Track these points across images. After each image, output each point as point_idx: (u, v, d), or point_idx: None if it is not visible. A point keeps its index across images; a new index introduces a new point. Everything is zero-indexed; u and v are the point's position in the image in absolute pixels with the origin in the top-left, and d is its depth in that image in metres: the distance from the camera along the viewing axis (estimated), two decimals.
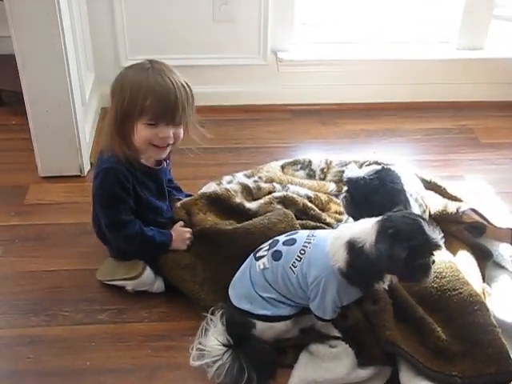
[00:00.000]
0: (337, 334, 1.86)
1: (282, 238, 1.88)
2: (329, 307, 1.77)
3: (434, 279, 1.90)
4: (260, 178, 2.43)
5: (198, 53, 3.02)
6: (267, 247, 1.87)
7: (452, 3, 3.15)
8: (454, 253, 2.10)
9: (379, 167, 2.04)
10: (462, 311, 1.82)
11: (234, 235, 2.05)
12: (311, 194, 2.33)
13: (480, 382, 1.70)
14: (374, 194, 1.94)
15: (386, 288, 1.80)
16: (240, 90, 3.13)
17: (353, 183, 2.00)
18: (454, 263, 1.98)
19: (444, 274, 1.92)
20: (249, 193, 2.31)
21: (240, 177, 2.44)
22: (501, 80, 3.23)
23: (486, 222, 2.17)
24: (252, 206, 2.21)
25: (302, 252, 1.80)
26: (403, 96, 3.21)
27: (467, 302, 1.83)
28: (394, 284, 1.90)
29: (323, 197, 2.34)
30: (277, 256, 1.82)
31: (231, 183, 2.37)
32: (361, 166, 2.32)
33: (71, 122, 2.52)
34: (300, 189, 2.36)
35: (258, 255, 1.88)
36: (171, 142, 1.97)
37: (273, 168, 2.51)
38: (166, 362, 1.85)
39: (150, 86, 1.85)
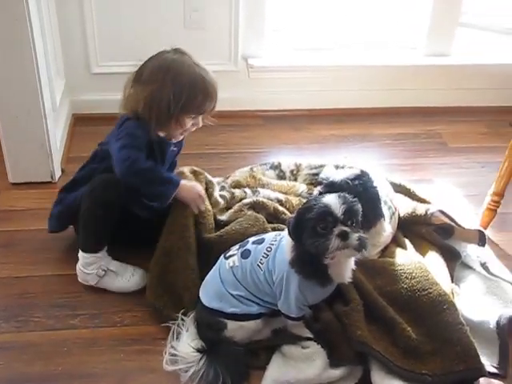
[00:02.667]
0: (309, 334, 1.87)
1: (251, 239, 1.92)
2: (292, 304, 1.78)
3: (404, 280, 1.94)
4: (226, 182, 2.46)
5: None
6: (237, 247, 1.91)
7: (419, 10, 3.21)
8: (423, 254, 2.14)
9: (357, 171, 2.07)
10: (431, 310, 1.85)
11: (209, 243, 2.07)
12: (282, 197, 2.35)
13: (449, 379, 1.73)
14: (358, 199, 1.94)
15: (347, 281, 1.80)
16: None
17: (335, 186, 1.99)
18: (423, 264, 2.01)
19: (414, 274, 1.94)
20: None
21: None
22: (467, 86, 3.30)
23: (454, 224, 2.20)
24: (223, 217, 2.23)
25: (269, 249, 1.83)
26: (373, 101, 3.26)
27: (436, 301, 1.86)
28: (365, 285, 1.93)
29: (294, 200, 2.36)
30: (246, 254, 1.86)
31: None
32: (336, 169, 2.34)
33: (41, 128, 2.51)
34: (270, 192, 2.38)
35: (227, 255, 1.90)
36: None
37: (240, 172, 2.54)
38: (139, 366, 1.84)
39: (204, 85, 2.04)
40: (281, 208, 2.28)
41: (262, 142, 3.00)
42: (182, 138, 2.20)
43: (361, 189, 1.99)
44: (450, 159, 2.96)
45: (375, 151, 3.01)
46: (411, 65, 3.23)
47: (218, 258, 1.95)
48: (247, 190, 2.38)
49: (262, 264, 1.82)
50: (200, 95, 2.03)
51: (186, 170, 2.27)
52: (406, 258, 2.06)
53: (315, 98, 3.22)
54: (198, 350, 1.81)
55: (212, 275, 1.92)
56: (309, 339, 1.86)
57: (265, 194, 2.36)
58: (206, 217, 2.14)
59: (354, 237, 1.64)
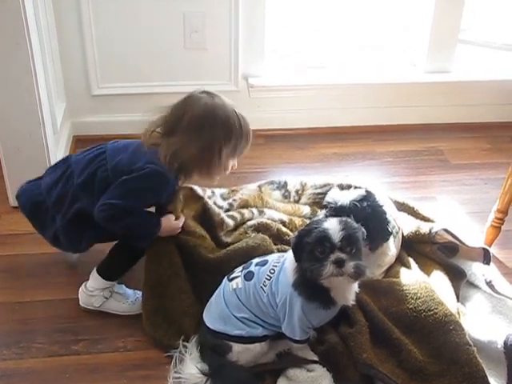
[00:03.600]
0: (314, 357, 1.85)
1: (255, 260, 1.91)
2: (296, 326, 1.77)
3: (410, 300, 1.92)
4: (235, 200, 2.44)
5: (169, 80, 3.03)
6: (241, 269, 1.90)
7: (418, 27, 3.22)
8: (428, 273, 2.12)
9: (363, 191, 2.05)
10: (437, 331, 1.83)
11: (214, 262, 2.06)
12: (285, 218, 2.35)
13: None
14: (367, 220, 1.94)
15: (351, 303, 1.79)
16: None
17: (343, 210, 1.97)
18: (428, 284, 2.00)
19: (419, 294, 1.93)
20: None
21: (218, 196, 2.49)
22: (469, 102, 3.29)
23: (458, 242, 2.19)
24: (228, 239, 2.22)
25: (272, 271, 1.82)
26: (374, 119, 3.25)
27: (442, 321, 1.84)
28: (370, 306, 1.91)
29: (297, 220, 2.35)
30: (249, 276, 1.85)
31: (210, 199, 2.41)
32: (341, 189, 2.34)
33: (42, 150, 2.50)
34: (275, 213, 2.38)
35: (231, 277, 1.89)
36: None
37: (249, 190, 2.53)
38: None
39: (246, 127, 2.03)
40: (284, 229, 2.28)
41: (265, 162, 2.98)
42: None
43: (369, 210, 1.99)
44: (453, 176, 2.94)
45: (377, 169, 3.00)
46: (412, 82, 3.22)
47: (222, 278, 1.94)
48: (254, 211, 2.38)
49: (265, 286, 1.81)
50: (244, 138, 2.03)
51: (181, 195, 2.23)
52: (411, 277, 2.04)
53: (316, 116, 3.21)
54: (203, 373, 1.78)
55: (216, 297, 1.91)
56: (314, 362, 1.84)
57: (269, 215, 2.35)
58: (202, 239, 2.14)
59: (351, 264, 1.64)
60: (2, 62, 2.29)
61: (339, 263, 1.63)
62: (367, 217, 1.95)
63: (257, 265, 1.88)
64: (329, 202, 2.04)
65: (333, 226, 1.67)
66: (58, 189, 2.03)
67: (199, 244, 2.10)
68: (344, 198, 2.01)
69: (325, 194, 2.39)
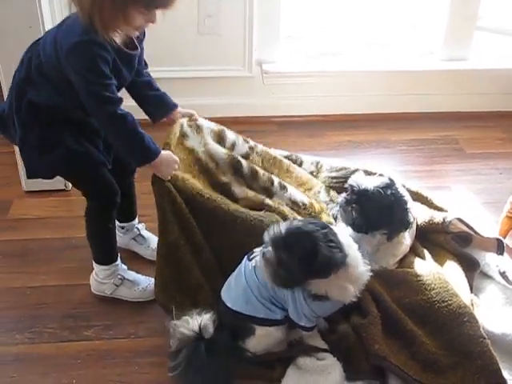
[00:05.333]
0: (324, 346, 1.84)
1: None
2: (301, 313, 1.76)
3: (424, 291, 1.90)
4: (255, 152, 2.30)
5: (183, 65, 3.02)
6: (260, 248, 1.84)
7: (435, 15, 3.17)
8: (441, 263, 2.10)
9: (386, 179, 2.02)
10: (451, 323, 1.82)
11: (235, 220, 2.00)
12: (306, 201, 2.27)
13: None
14: (390, 208, 1.94)
15: (349, 301, 1.76)
16: (226, 102, 3.12)
17: (366, 194, 1.96)
18: (441, 274, 1.98)
19: (433, 285, 1.91)
20: (238, 172, 2.17)
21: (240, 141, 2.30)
22: (485, 90, 3.25)
23: (472, 232, 2.16)
24: (239, 193, 2.13)
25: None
26: (389, 107, 3.22)
27: (456, 313, 1.82)
28: (383, 297, 1.90)
29: (317, 206, 2.29)
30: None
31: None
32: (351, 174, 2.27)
33: None
34: (297, 193, 2.27)
35: (251, 256, 1.85)
36: None
37: (269, 154, 2.38)
38: (153, 379, 1.82)
39: None
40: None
41: (277, 149, 2.96)
42: (138, 37, 1.89)
43: (392, 198, 1.97)
44: (467, 165, 2.92)
45: (391, 157, 2.98)
46: (428, 70, 3.19)
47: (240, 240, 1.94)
48: (275, 180, 2.24)
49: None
50: None
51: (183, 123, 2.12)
52: (425, 268, 2.02)
53: (330, 103, 3.19)
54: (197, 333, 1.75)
55: (236, 277, 1.87)
56: (325, 351, 1.83)
57: (292, 195, 2.24)
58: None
59: None
60: (15, 44, 2.27)
61: None
62: (390, 204, 1.94)
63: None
64: (351, 186, 2.00)
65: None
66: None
67: (214, 198, 2.01)
68: (368, 183, 1.98)
69: (340, 178, 2.40)
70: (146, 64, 2.07)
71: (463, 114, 3.27)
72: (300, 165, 2.49)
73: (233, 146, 2.23)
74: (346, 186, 2.05)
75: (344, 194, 2.05)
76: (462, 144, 3.07)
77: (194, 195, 1.96)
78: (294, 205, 2.23)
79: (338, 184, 2.40)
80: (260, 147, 2.32)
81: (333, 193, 2.38)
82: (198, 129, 2.16)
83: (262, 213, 2.07)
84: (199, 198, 1.97)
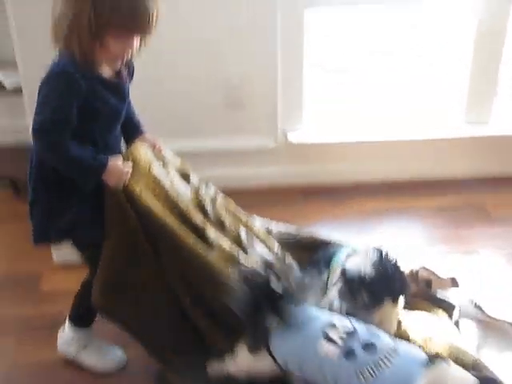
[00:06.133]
0: None
1: (361, 335, 1.69)
2: None
3: None
4: (217, 202, 2.19)
5: (207, 137, 3.07)
6: (343, 335, 1.68)
7: (456, 83, 3.22)
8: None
9: (375, 255, 2.00)
10: None
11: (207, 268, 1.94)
12: (272, 259, 2.17)
13: None
14: (392, 276, 1.96)
15: None
16: (251, 172, 3.17)
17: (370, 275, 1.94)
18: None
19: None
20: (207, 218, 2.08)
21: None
22: (509, 155, 3.26)
23: (434, 276, 2.23)
24: (214, 238, 2.02)
25: (378, 366, 1.60)
26: (414, 173, 3.23)
27: None
28: None
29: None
30: (350, 357, 1.63)
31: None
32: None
33: None
34: (264, 251, 2.17)
35: (329, 335, 1.69)
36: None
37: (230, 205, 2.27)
38: None
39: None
40: None
41: (302, 218, 2.97)
42: (121, 67, 1.86)
43: (388, 266, 1.98)
44: (495, 230, 2.89)
45: (416, 224, 2.97)
46: (453, 137, 3.22)
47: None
48: (243, 232, 2.15)
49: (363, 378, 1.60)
50: (125, 7, 1.65)
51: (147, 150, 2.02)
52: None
53: (355, 171, 3.21)
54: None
55: (304, 339, 1.71)
56: None
57: (259, 252, 2.14)
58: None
59: None
60: None
61: None
62: (390, 274, 1.97)
63: (363, 348, 1.63)
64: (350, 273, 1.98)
65: None
66: None
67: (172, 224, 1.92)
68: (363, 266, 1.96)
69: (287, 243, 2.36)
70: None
71: (490, 179, 3.25)
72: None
73: (196, 192, 2.13)
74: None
75: (337, 286, 2.00)
76: (489, 209, 3.06)
77: (148, 212, 1.88)
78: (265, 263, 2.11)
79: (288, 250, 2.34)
80: (220, 199, 2.21)
81: (288, 258, 2.28)
82: (164, 162, 2.07)
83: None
84: (152, 217, 1.89)
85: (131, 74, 1.95)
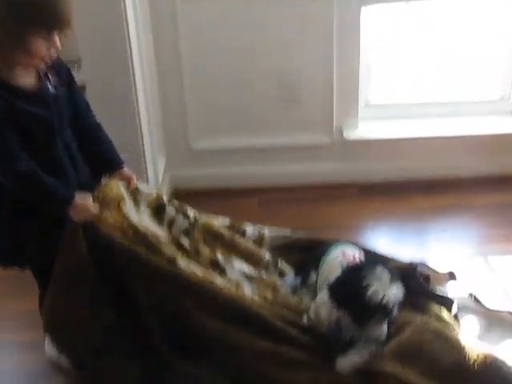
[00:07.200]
0: None
1: None
2: None
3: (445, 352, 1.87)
4: (196, 227, 2.17)
5: (264, 133, 3.12)
6: None
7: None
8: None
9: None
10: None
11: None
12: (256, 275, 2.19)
13: None
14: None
15: None
16: (307, 169, 3.20)
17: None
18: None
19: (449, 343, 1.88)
20: (181, 249, 2.05)
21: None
22: None
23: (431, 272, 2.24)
24: (186, 267, 1.98)
25: None
26: (472, 170, 3.17)
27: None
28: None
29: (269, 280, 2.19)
30: None
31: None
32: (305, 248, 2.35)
33: None
34: (246, 267, 2.17)
35: None
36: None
37: (212, 228, 2.23)
38: None
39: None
40: None
41: (358, 215, 2.98)
42: (45, 72, 1.76)
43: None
44: None
45: (474, 222, 2.90)
46: (507, 133, 3.14)
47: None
48: (219, 257, 2.13)
49: None
50: (43, 5, 1.59)
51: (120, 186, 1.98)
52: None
53: (411, 167, 3.18)
54: None
55: None
56: None
57: (237, 272, 2.13)
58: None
59: None
60: (113, 123, 2.45)
61: None
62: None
63: None
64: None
65: None
66: None
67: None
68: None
69: (283, 247, 2.37)
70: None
71: None
72: (243, 234, 2.33)
73: (171, 223, 2.11)
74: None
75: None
76: None
77: (114, 243, 1.87)
78: (247, 278, 2.13)
79: (283, 254, 2.35)
80: (202, 220, 2.20)
81: (280, 263, 2.29)
82: (136, 200, 2.04)
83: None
84: (119, 248, 1.88)
85: (65, 79, 1.84)
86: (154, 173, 2.81)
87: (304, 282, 2.22)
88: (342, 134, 3.13)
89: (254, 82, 3.03)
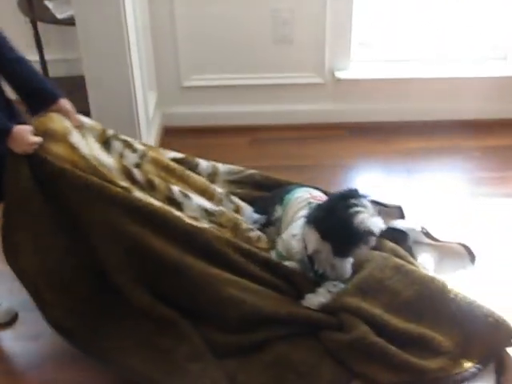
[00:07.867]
0: None
1: None
2: None
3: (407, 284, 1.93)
4: (145, 160, 2.15)
5: (255, 72, 3.11)
6: None
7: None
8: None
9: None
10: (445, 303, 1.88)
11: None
12: (217, 208, 2.17)
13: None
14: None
15: None
16: (298, 108, 3.19)
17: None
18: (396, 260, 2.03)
19: (411, 278, 1.95)
20: (134, 182, 2.02)
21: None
22: None
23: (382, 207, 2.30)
24: (142, 198, 1.96)
25: None
26: (461, 113, 3.18)
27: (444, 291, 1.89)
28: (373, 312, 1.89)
29: (229, 215, 2.18)
30: None
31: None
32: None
33: (137, 139, 2.61)
34: (204, 201, 2.15)
35: None
36: None
37: (161, 161, 2.22)
38: None
39: None
40: None
41: (348, 155, 2.99)
42: None
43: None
44: None
45: (464, 164, 2.93)
46: (502, 76, 3.14)
47: None
48: (175, 189, 2.10)
49: None
50: None
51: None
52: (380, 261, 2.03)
53: (402, 109, 3.18)
54: None
55: None
56: None
57: (200, 203, 2.12)
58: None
59: None
60: (104, 57, 2.42)
61: None
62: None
63: None
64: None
65: None
66: None
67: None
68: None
69: (238, 181, 2.40)
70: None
71: None
72: (196, 167, 2.35)
73: (120, 158, 2.10)
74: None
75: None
76: None
77: (65, 174, 1.85)
78: (206, 213, 2.12)
79: (238, 188, 2.39)
80: (151, 154, 2.18)
81: (234, 198, 2.30)
82: (82, 131, 2.00)
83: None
84: (71, 178, 1.86)
85: None
86: (145, 108, 2.79)
87: (269, 219, 2.24)
88: (333, 74, 3.11)
89: (246, 20, 2.99)
